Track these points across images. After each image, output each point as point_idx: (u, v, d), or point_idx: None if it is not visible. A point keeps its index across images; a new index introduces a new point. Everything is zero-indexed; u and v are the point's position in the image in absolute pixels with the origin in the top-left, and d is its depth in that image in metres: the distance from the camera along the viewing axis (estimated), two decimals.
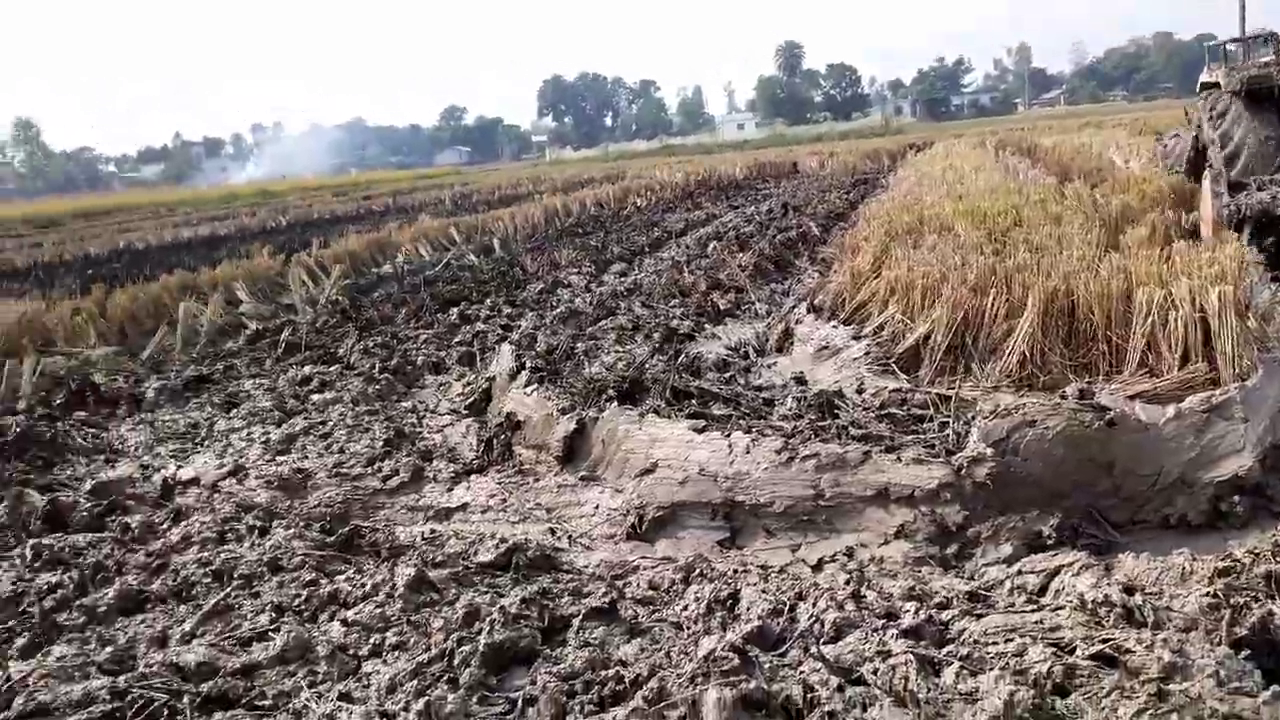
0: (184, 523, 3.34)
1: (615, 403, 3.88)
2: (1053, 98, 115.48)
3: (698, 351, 5.07)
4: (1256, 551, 2.40)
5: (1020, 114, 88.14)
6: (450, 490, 3.64)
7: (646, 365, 4.52)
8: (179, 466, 4.17)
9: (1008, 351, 3.99)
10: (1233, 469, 3.07)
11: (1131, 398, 3.48)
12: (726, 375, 4.55)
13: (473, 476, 3.75)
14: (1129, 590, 2.17)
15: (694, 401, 3.91)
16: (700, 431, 3.43)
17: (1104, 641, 1.91)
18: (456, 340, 6.19)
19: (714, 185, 20.21)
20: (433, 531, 3.15)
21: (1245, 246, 5.38)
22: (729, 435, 3.35)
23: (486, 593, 2.63)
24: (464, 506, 3.49)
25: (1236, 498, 3.02)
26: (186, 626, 2.57)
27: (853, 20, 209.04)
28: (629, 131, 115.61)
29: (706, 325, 6.16)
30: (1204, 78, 8.71)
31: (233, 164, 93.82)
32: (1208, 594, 2.08)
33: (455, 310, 7.12)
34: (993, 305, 4.18)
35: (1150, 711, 1.71)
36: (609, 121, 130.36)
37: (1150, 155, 10.98)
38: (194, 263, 11.49)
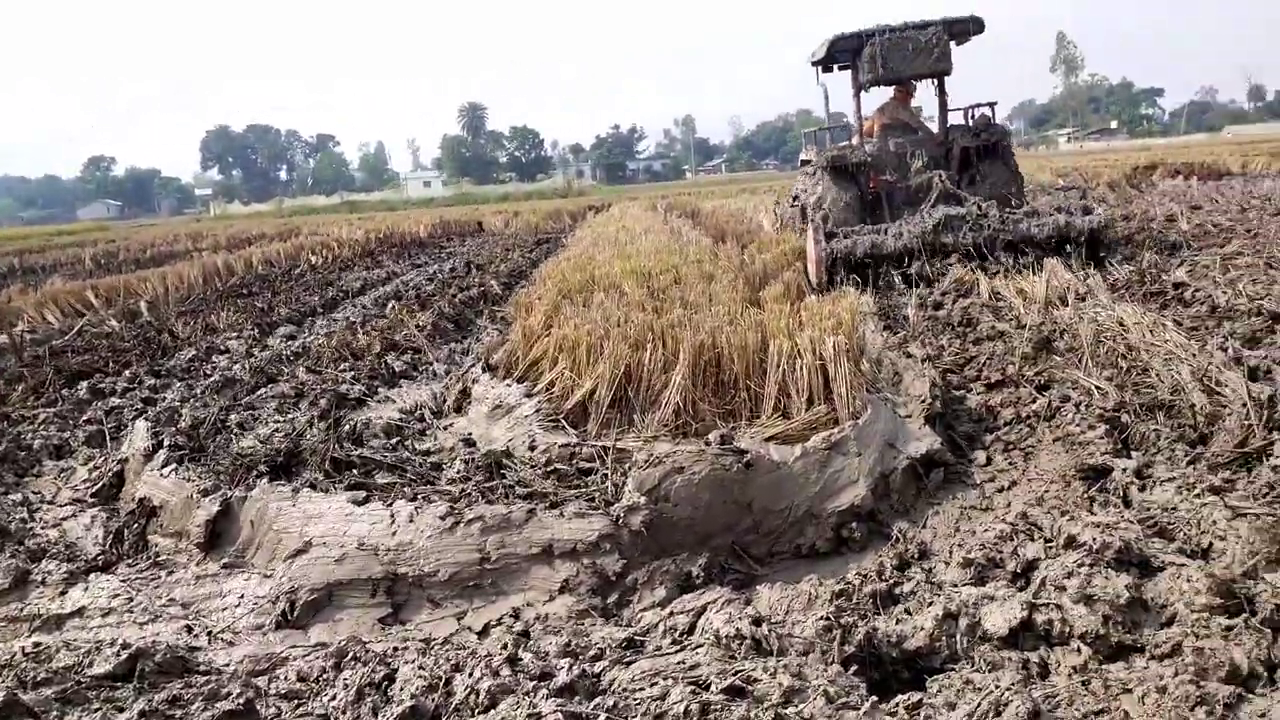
0: None
1: (267, 479, 3.60)
2: (715, 165, 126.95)
3: (366, 418, 4.87)
4: (865, 573, 2.69)
5: (689, 180, 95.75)
6: (64, 594, 3.16)
7: (304, 435, 4.26)
8: None
9: (664, 403, 4.23)
10: (850, 499, 3.47)
11: (767, 439, 3.83)
12: (394, 441, 4.40)
13: (95, 575, 3.29)
14: (757, 622, 2.35)
15: (356, 471, 3.74)
16: (361, 503, 3.27)
17: (735, 674, 2.03)
18: (85, 418, 5.45)
19: (397, 243, 19.82)
20: (36, 645, 2.71)
21: (856, 297, 6.28)
22: (391, 505, 3.22)
23: (100, 709, 2.30)
24: (80, 611, 3.04)
25: (855, 524, 3.41)
26: None
27: (537, 85, 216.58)
28: (306, 186, 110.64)
29: (380, 389, 5.96)
30: (803, 155, 11.09)
31: None
32: (823, 617, 2.30)
33: (86, 384, 6.29)
34: (650, 359, 4.42)
35: None
36: (284, 175, 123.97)
37: (774, 218, 13.15)
38: None
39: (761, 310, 5.17)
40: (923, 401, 4.28)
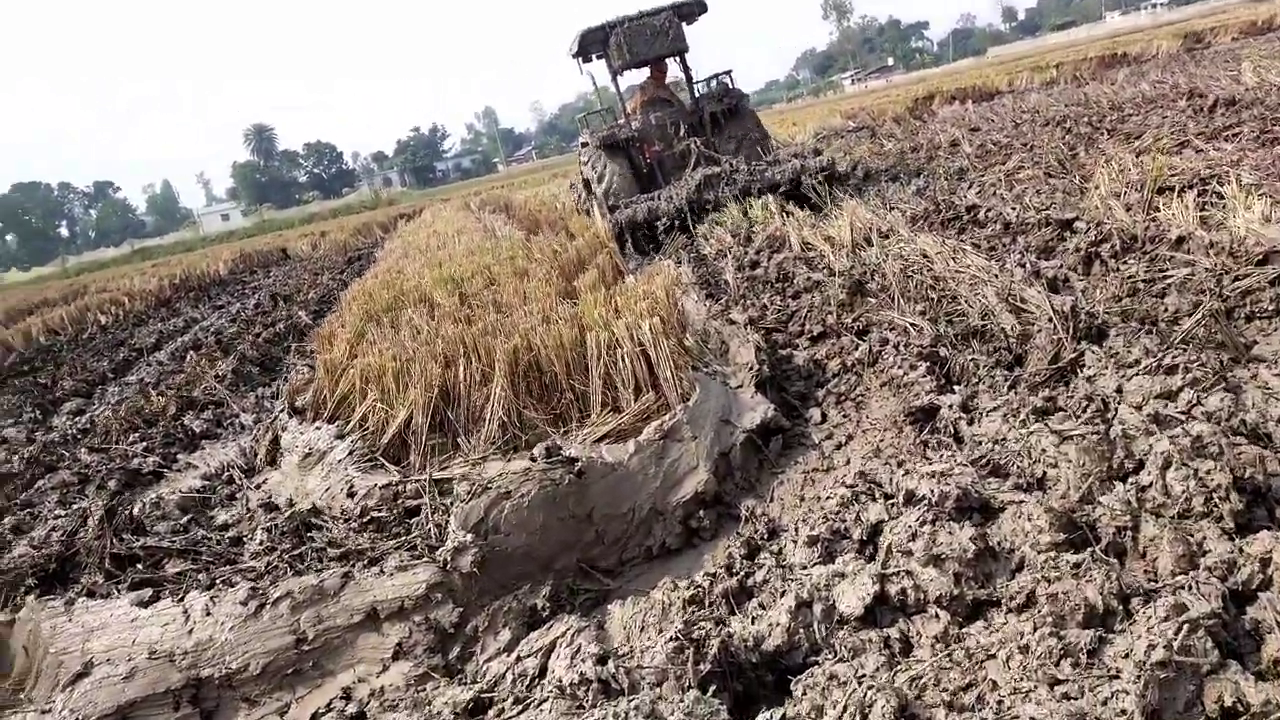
0: None
1: (36, 593, 3.09)
2: (525, 154, 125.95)
3: (157, 496, 4.33)
4: (715, 571, 2.53)
5: (502, 172, 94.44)
6: None
7: (79, 532, 3.72)
8: None
9: (488, 418, 3.95)
10: (694, 486, 3.31)
11: (599, 440, 3.62)
12: (187, 519, 3.92)
13: None
14: (603, 660, 2.13)
15: (141, 566, 3.27)
16: (148, 603, 2.84)
17: None
18: None
19: (195, 286, 18.42)
20: None
21: (672, 270, 6.23)
22: (183, 598, 2.81)
23: None
24: None
25: (702, 513, 3.25)
26: None
27: (325, 100, 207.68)
28: (90, 240, 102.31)
29: (179, 456, 5.38)
30: (580, 139, 11.61)
31: None
32: (674, 637, 2.11)
33: None
34: (466, 375, 4.12)
35: None
36: (65, 232, 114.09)
37: (570, 198, 13.90)
38: None
39: (577, 302, 4.95)
40: (751, 369, 4.19)
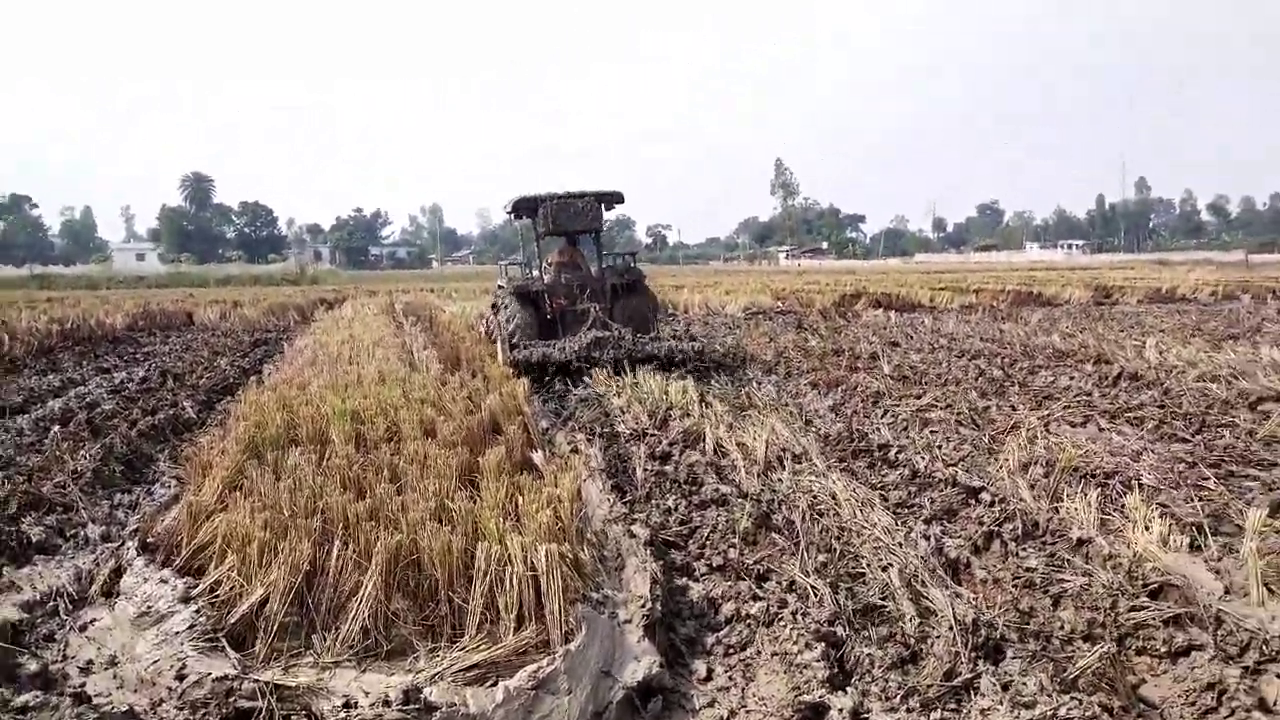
0: None
1: None
2: (462, 256, 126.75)
3: None
4: None
5: (435, 270, 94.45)
6: None
7: None
8: None
9: (352, 616, 3.62)
10: None
11: (468, 670, 3.34)
12: None
13: None
14: None
15: None
16: None
17: None
18: None
19: (85, 337, 17.45)
20: None
21: (582, 459, 6.10)
22: None
23: None
24: None
25: None
26: None
27: (272, 161, 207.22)
28: None
29: (4, 570, 4.81)
30: (499, 282, 13.96)
31: None
32: None
33: None
34: (338, 561, 3.81)
35: None
36: None
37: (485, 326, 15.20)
38: None
39: (476, 489, 4.72)
40: (643, 605, 3.97)
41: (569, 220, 12.47)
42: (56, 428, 8.26)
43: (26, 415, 9.29)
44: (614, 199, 12.67)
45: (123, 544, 5.03)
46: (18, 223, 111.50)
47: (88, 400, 10.07)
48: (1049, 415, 7.78)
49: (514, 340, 11.71)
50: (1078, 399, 8.61)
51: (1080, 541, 4.60)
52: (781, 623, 3.89)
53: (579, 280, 12.64)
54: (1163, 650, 3.64)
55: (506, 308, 12.39)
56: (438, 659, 3.42)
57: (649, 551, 4.62)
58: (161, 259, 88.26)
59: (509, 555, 3.68)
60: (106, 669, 3.73)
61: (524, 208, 12.67)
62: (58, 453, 7.14)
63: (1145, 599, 3.95)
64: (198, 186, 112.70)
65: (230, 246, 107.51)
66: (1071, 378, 9.91)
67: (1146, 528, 4.52)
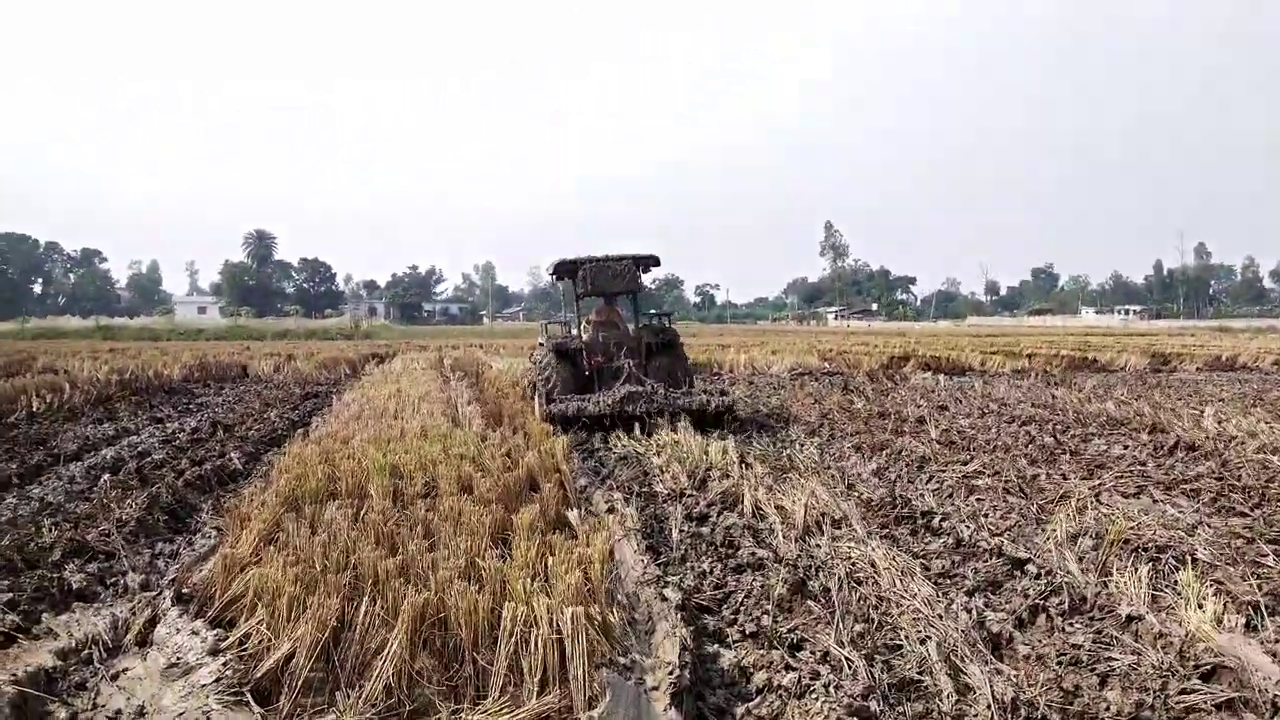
0: None
1: None
2: (513, 313, 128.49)
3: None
4: None
5: (485, 325, 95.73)
6: None
7: None
8: None
9: (375, 675, 3.60)
10: None
11: None
12: None
13: None
14: None
15: None
16: None
17: None
18: None
19: (142, 388, 17.93)
20: None
21: (617, 518, 6.06)
22: None
23: None
24: None
25: None
26: None
27: (333, 219, 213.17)
28: (64, 305, 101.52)
29: (44, 616, 4.89)
30: (539, 339, 14.40)
31: None
32: None
33: None
34: (366, 617, 3.80)
35: None
36: (37, 289, 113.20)
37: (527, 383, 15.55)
38: None
39: (509, 547, 4.70)
40: (671, 672, 3.89)
41: (607, 282, 13.10)
42: (106, 476, 8.45)
43: (80, 463, 9.53)
44: (650, 262, 13.28)
45: (159, 594, 5.09)
46: (88, 276, 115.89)
47: (139, 449, 10.30)
48: (1100, 485, 7.55)
49: (551, 394, 12.12)
50: (1131, 469, 8.36)
51: (1129, 618, 4.41)
52: (814, 695, 3.77)
53: (615, 338, 13.13)
54: None
55: (546, 364, 12.78)
56: None
57: (680, 616, 4.53)
58: (223, 312, 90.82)
59: (535, 617, 3.64)
60: None
61: (564, 270, 13.35)
62: (105, 501, 7.29)
63: (1197, 681, 3.76)
64: (260, 243, 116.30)
65: (289, 301, 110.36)
66: (1125, 447, 9.63)
67: (1200, 605, 4.33)
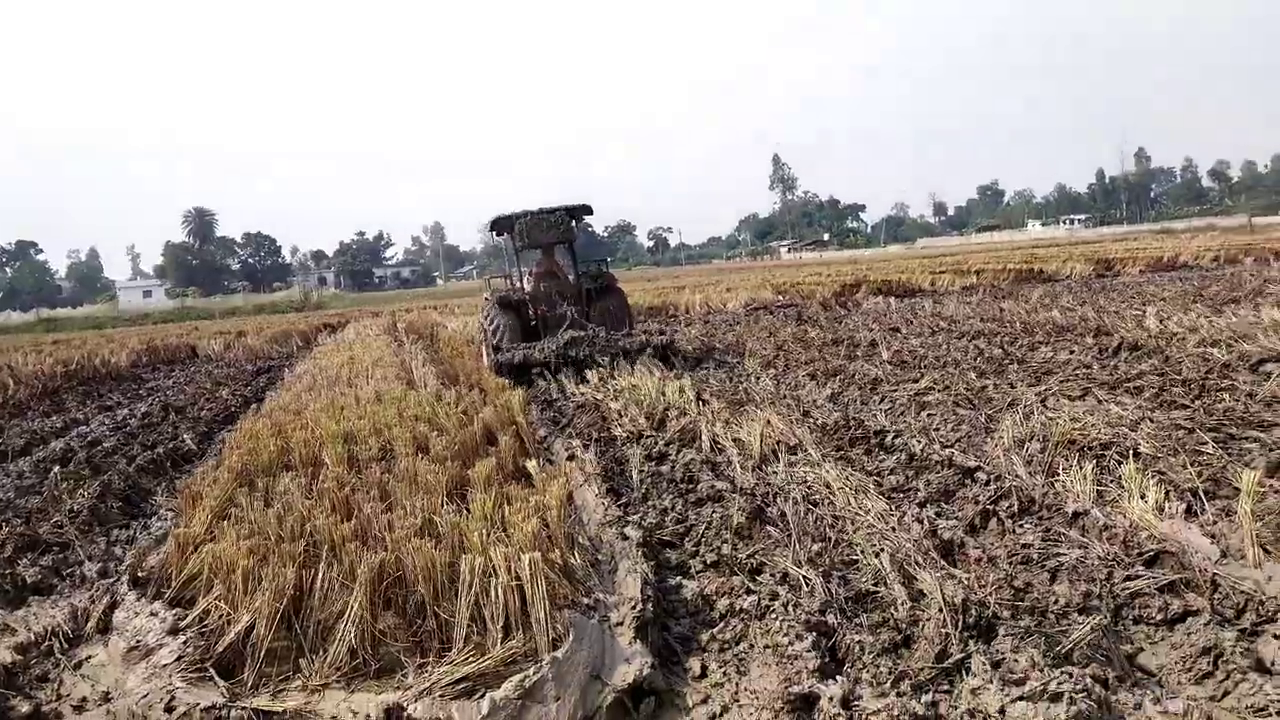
0: None
1: None
2: (466, 272, 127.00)
3: None
4: None
5: (440, 287, 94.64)
6: None
7: None
8: None
9: (338, 638, 3.60)
10: None
11: (457, 683, 3.31)
12: None
13: None
14: None
15: None
16: None
17: None
18: None
19: (89, 376, 17.53)
20: None
21: (578, 464, 6.08)
22: None
23: None
24: None
25: None
26: None
27: (276, 190, 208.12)
28: (2, 300, 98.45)
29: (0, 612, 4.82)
30: (484, 294, 15.31)
31: None
32: None
33: None
34: (324, 582, 3.79)
35: None
36: None
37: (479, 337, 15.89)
38: None
39: (467, 498, 4.70)
40: (634, 606, 3.94)
41: (542, 233, 13.66)
42: (56, 468, 8.26)
43: (28, 457, 9.33)
44: (583, 211, 13.92)
45: (117, 580, 5.03)
46: (25, 268, 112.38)
47: (89, 439, 10.10)
48: (1046, 390, 7.72)
49: (499, 345, 12.65)
50: (1076, 373, 8.54)
51: (1076, 514, 4.54)
52: (773, 615, 3.85)
53: (557, 287, 13.71)
54: (1159, 618, 3.58)
55: (491, 317, 13.31)
56: (426, 674, 3.40)
57: (641, 553, 4.58)
58: (168, 294, 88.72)
59: (493, 566, 3.66)
60: (100, 705, 3.72)
61: (502, 225, 13.94)
62: (56, 493, 7.15)
63: (1141, 568, 3.89)
64: (200, 221, 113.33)
65: (236, 278, 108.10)
66: (1071, 352, 9.84)
67: (1143, 496, 4.47)
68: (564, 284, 13.87)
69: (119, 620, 4.37)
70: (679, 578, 4.66)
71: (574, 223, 13.90)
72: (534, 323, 13.51)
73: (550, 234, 13.70)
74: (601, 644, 3.60)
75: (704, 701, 3.48)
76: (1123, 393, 7.48)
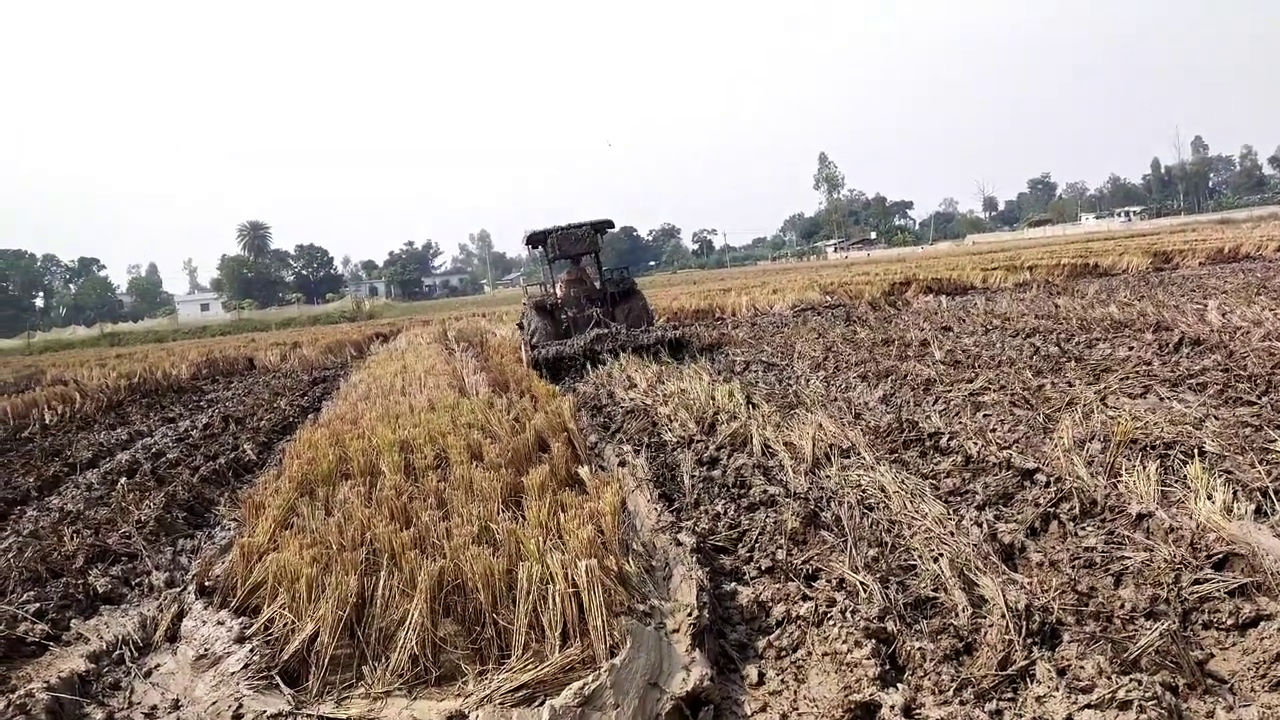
0: None
1: None
2: (513, 279, 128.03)
3: (26, 691, 3.95)
4: None
5: (487, 294, 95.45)
6: None
7: None
8: None
9: (399, 646, 3.66)
10: None
11: (516, 691, 3.34)
12: None
13: None
14: None
15: None
16: None
17: None
18: None
19: (152, 389, 18.02)
20: None
21: (629, 470, 6.11)
22: None
23: None
24: None
25: None
26: None
27: (326, 203, 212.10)
28: (66, 316, 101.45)
29: (73, 622, 4.97)
30: (523, 300, 16.69)
31: None
32: None
33: None
34: (385, 590, 3.85)
35: None
36: (39, 303, 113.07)
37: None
38: None
39: (520, 509, 4.74)
40: (690, 614, 3.94)
41: (571, 246, 15.61)
42: (123, 479, 8.52)
43: (96, 469, 9.63)
44: (606, 225, 15.91)
45: (184, 589, 5.17)
46: (88, 284, 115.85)
47: (154, 450, 10.39)
48: (1106, 388, 7.55)
49: (535, 343, 14.44)
50: (1136, 369, 8.34)
51: (1140, 516, 4.44)
52: (831, 621, 3.82)
53: (585, 292, 15.79)
54: (1229, 623, 3.49)
55: (528, 319, 15.26)
56: (486, 682, 3.44)
57: (695, 559, 4.58)
58: (225, 307, 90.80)
59: (550, 573, 3.69)
60: (170, 713, 3.82)
61: (536, 239, 15.80)
62: (124, 504, 7.37)
63: (1209, 570, 3.80)
64: (255, 234, 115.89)
65: (290, 290, 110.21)
66: (1130, 348, 9.61)
67: (1209, 497, 4.35)
68: (590, 289, 15.94)
69: (187, 629, 4.49)
70: (733, 584, 4.65)
71: (599, 235, 15.75)
72: (565, 324, 15.24)
73: (577, 246, 15.63)
74: (659, 651, 3.61)
75: (762, 709, 3.47)
76: (1185, 390, 7.29)
